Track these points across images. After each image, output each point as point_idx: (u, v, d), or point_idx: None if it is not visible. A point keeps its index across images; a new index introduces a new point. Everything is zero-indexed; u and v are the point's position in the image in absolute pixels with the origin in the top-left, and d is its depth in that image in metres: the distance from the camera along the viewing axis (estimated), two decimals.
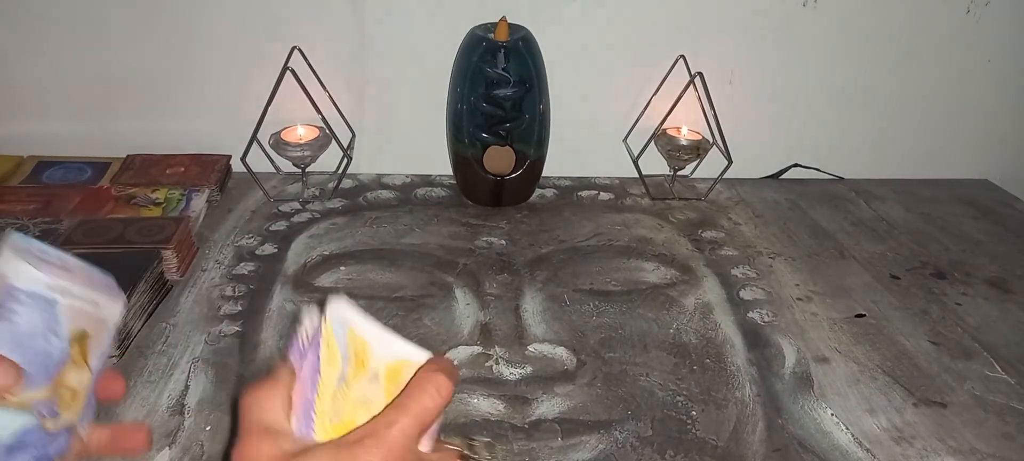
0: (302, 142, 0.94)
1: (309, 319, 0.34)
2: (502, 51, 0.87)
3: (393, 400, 0.33)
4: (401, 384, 0.33)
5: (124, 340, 0.68)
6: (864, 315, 0.79)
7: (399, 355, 0.33)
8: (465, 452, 0.37)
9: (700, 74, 0.93)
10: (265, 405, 0.34)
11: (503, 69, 0.87)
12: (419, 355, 0.33)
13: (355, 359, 0.32)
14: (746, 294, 0.82)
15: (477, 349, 0.70)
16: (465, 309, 0.76)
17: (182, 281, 0.79)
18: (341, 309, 0.33)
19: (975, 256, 0.92)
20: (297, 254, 0.84)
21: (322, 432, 0.33)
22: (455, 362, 0.68)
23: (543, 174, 0.97)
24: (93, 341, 0.37)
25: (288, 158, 0.95)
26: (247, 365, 0.68)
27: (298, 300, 0.76)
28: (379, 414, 0.32)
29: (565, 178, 1.04)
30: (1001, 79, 1.08)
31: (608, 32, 0.99)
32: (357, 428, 0.32)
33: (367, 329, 0.33)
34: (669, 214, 0.98)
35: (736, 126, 0.99)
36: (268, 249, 0.85)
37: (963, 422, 0.65)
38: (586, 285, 0.81)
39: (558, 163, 1.00)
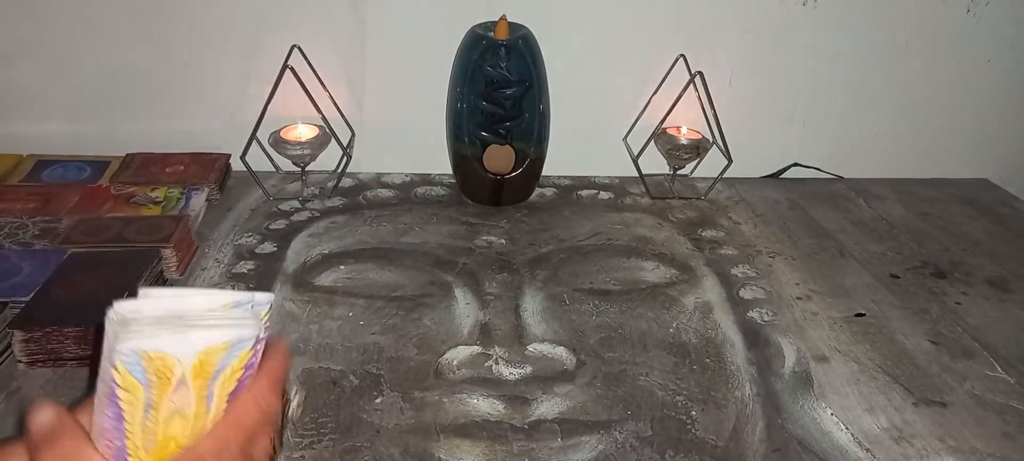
0: (302, 141, 0.94)
1: (104, 367, 0.32)
2: (502, 50, 0.87)
3: (227, 411, 0.34)
4: (211, 374, 0.32)
5: None
6: (864, 314, 0.79)
7: (201, 347, 0.32)
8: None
9: (700, 73, 0.93)
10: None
11: (503, 68, 0.87)
12: (223, 336, 0.32)
13: (157, 379, 0.31)
14: (746, 293, 0.82)
15: (477, 349, 0.70)
16: (465, 308, 0.76)
17: (181, 280, 0.78)
18: (127, 342, 0.31)
19: (975, 255, 0.92)
20: (297, 253, 0.84)
21: None
22: (460, 367, 0.68)
23: (543, 173, 0.97)
24: None
25: (288, 157, 0.95)
26: None
27: (298, 299, 0.76)
28: (209, 435, 0.33)
29: (565, 177, 1.04)
30: (1001, 79, 1.08)
31: (608, 31, 0.99)
32: (194, 446, 0.33)
33: (160, 339, 0.31)
34: (669, 213, 0.97)
35: (736, 125, 0.99)
36: (268, 248, 0.85)
37: (963, 421, 0.65)
38: (586, 284, 0.81)
39: (558, 162, 1.00)
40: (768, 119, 1.06)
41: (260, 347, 0.35)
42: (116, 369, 0.31)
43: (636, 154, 1.01)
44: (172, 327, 0.31)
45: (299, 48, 0.91)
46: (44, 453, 0.31)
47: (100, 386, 0.32)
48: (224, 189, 0.96)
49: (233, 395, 0.34)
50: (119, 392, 0.31)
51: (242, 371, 0.34)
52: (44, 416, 0.32)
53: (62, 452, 0.31)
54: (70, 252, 0.76)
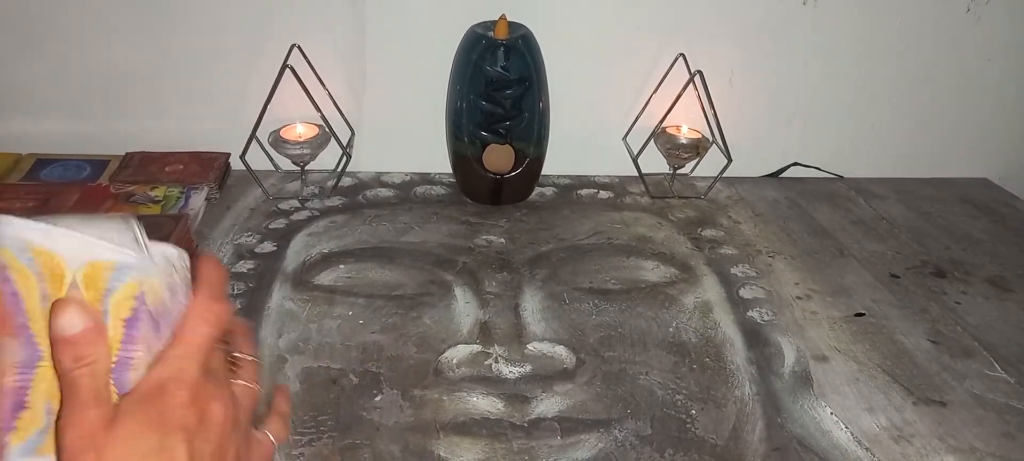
0: (301, 140, 0.94)
1: None
2: (502, 49, 0.87)
3: (174, 335, 0.34)
4: (103, 289, 0.32)
5: None
6: (863, 314, 0.79)
7: (86, 258, 0.32)
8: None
9: (700, 72, 0.93)
10: None
11: (503, 67, 0.87)
12: (112, 254, 0.33)
13: (49, 274, 0.32)
14: (746, 293, 0.82)
15: (476, 347, 0.70)
16: (464, 307, 0.76)
17: None
18: (14, 229, 0.31)
19: (975, 255, 0.92)
20: (296, 252, 0.84)
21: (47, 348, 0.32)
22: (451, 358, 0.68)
23: (542, 172, 0.97)
24: None
25: (287, 156, 0.95)
26: None
27: (298, 298, 0.76)
28: (162, 362, 0.33)
29: (564, 176, 1.04)
30: (1001, 79, 1.08)
31: (608, 30, 0.99)
32: (149, 374, 0.33)
33: (53, 239, 0.32)
34: (669, 213, 0.97)
35: (736, 125, 0.99)
36: (267, 247, 0.85)
37: (963, 421, 0.65)
38: (585, 284, 0.81)
39: (557, 161, 0.99)
40: (768, 119, 1.06)
41: (154, 287, 0.34)
42: (3, 250, 0.31)
43: (636, 153, 1.01)
44: (57, 234, 0.32)
45: (299, 47, 0.91)
46: None
47: None
48: (223, 188, 0.96)
49: (131, 322, 0.33)
50: (10, 273, 0.32)
51: (134, 301, 0.33)
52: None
53: None
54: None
